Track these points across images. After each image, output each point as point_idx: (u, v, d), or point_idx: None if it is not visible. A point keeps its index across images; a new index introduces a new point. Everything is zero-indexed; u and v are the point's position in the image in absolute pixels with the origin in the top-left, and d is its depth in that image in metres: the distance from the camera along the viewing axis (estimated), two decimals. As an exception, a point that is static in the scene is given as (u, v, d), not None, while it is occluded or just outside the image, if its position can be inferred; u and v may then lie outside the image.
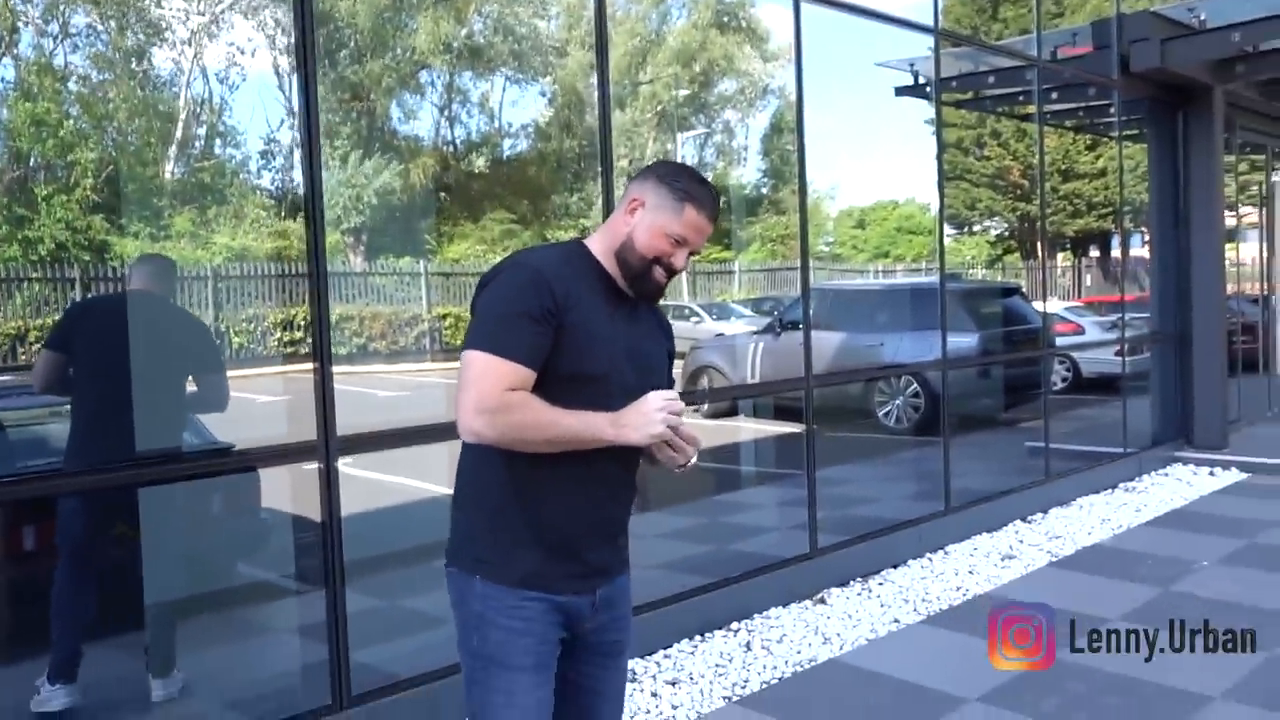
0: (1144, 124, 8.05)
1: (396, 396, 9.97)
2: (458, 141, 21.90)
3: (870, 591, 4.72)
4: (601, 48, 4.06)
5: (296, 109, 3.13)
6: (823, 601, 4.59)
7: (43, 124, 9.96)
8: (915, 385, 7.72)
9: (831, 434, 5.88)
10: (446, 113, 21.83)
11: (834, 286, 13.42)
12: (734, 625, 4.27)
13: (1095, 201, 21.95)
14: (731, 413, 8.26)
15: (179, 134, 14.15)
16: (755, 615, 4.38)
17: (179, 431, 3.40)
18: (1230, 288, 8.81)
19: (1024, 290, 12.47)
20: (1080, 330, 10.24)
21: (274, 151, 16.33)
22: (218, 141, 15.80)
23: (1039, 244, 10.59)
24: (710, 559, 5.10)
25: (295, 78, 3.11)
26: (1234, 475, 7.09)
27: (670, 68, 23.23)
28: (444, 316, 14.53)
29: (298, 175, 3.19)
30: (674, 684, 3.67)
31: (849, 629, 4.22)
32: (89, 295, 9.27)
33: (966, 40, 11.96)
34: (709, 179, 1.92)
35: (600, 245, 1.91)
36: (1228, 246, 8.61)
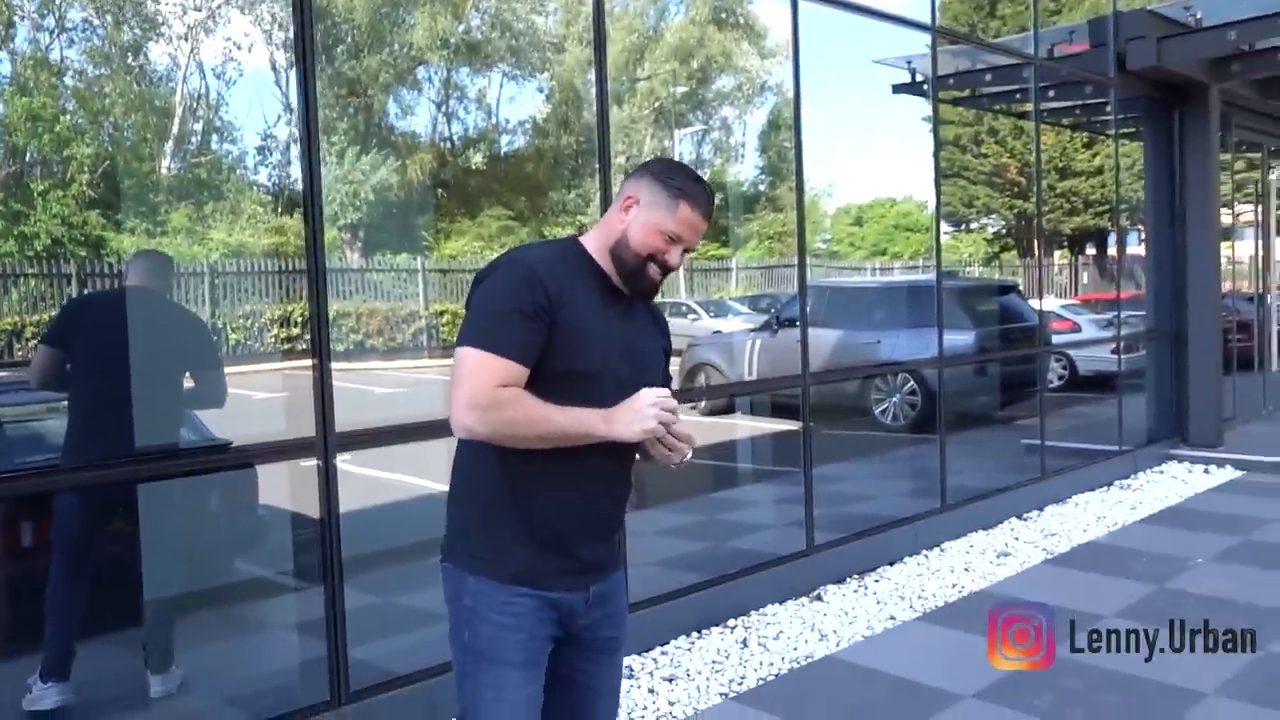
0: (1140, 122, 8.06)
1: (394, 393, 9.96)
2: (455, 137, 21.89)
3: (867, 589, 4.73)
4: (599, 44, 4.06)
5: (295, 105, 3.14)
6: (819, 598, 4.61)
7: (39, 119, 9.93)
8: (912, 383, 7.73)
9: (828, 431, 5.89)
10: (444, 109, 21.82)
11: (831, 284, 13.44)
12: (731, 622, 4.28)
13: (1092, 199, 21.98)
14: (729, 410, 8.28)
15: (175, 129, 14.12)
16: (752, 612, 4.39)
17: (176, 428, 3.40)
18: (1226, 286, 8.85)
19: (1021, 288, 12.49)
20: (1077, 328, 10.26)
21: (271, 147, 16.31)
22: (214, 137, 15.77)
23: (1036, 241, 10.61)
24: (707, 556, 5.11)
25: (294, 73, 3.11)
26: (1229, 473, 7.11)
27: (668, 64, 23.21)
28: (441, 313, 14.53)
29: (295, 171, 3.20)
30: (671, 681, 3.68)
31: (845, 626, 4.24)
32: (86, 291, 9.25)
33: (963, 38, 11.97)
34: (704, 176, 1.93)
35: (595, 242, 1.92)
36: (1223, 244, 8.64)
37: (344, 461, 3.19)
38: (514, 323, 1.75)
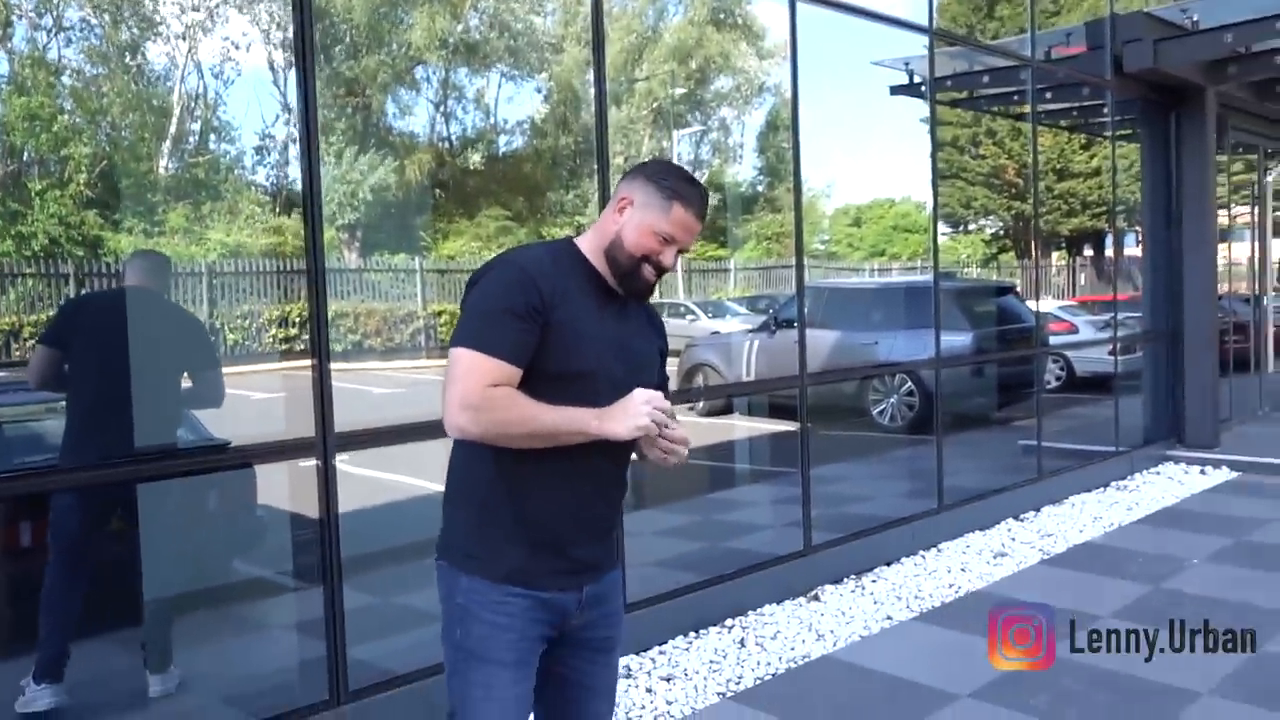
0: (1137, 124, 8.08)
1: (392, 394, 9.97)
2: (453, 138, 21.91)
3: (864, 588, 4.74)
4: (598, 44, 4.07)
5: (294, 105, 3.15)
6: (817, 598, 4.62)
7: (36, 118, 9.93)
8: (909, 384, 7.75)
9: (826, 432, 5.90)
10: (442, 109, 21.83)
11: (829, 285, 13.46)
12: (728, 622, 4.29)
13: (1089, 201, 22.02)
14: (727, 410, 8.29)
15: (173, 129, 14.12)
16: (750, 612, 4.40)
17: (175, 428, 3.40)
18: (1222, 287, 8.86)
19: (1018, 289, 12.51)
20: (1074, 329, 10.28)
21: (269, 147, 16.31)
22: (212, 137, 15.76)
23: (1033, 243, 10.63)
24: (705, 556, 5.12)
25: (293, 73, 3.12)
26: (1225, 474, 7.13)
27: (666, 65, 23.23)
28: (439, 313, 14.53)
29: (292, 171, 3.21)
30: (669, 680, 3.69)
31: (843, 625, 4.25)
32: (84, 291, 9.25)
33: (961, 40, 11.99)
34: (702, 177, 1.94)
35: (590, 243, 1.93)
36: (1220, 246, 8.65)
37: (343, 462, 3.20)
38: (506, 323, 1.76)
